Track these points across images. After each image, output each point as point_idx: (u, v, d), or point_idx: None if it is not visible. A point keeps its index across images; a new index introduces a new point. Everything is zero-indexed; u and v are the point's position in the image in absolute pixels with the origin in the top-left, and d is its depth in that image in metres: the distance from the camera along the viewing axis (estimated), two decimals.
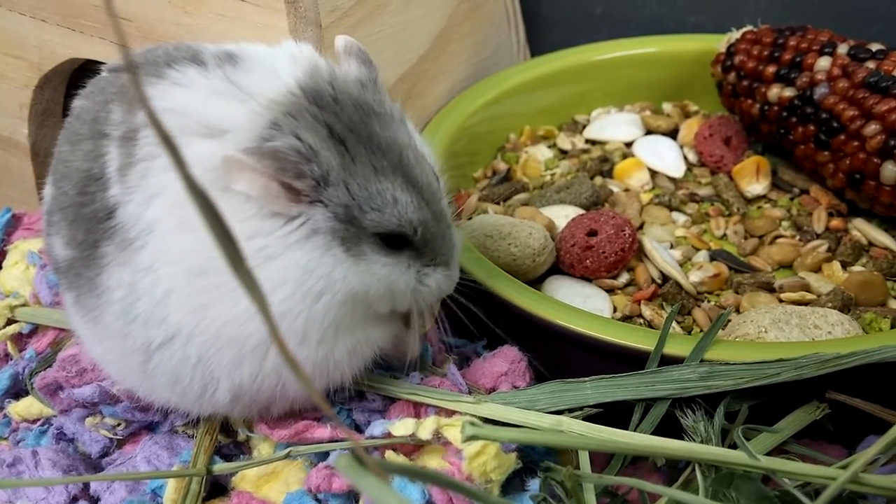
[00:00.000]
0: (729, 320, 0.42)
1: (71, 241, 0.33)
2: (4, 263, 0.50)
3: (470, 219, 0.53)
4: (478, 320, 0.42)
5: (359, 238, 0.32)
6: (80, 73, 0.53)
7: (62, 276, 0.34)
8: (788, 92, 0.52)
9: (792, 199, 0.54)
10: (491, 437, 0.29)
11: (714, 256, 0.50)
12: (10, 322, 0.47)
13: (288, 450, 0.34)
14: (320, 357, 0.33)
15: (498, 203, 0.55)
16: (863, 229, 0.51)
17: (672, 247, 0.51)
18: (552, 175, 0.58)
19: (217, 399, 0.33)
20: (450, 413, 0.35)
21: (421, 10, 0.53)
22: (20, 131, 0.53)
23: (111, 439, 0.39)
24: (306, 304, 0.31)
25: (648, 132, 0.61)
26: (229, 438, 0.38)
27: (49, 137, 0.54)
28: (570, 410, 0.35)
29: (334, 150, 0.31)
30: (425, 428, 0.33)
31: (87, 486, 0.37)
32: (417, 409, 0.36)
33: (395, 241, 0.33)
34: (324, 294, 0.32)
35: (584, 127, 0.62)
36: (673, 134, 0.60)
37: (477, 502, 0.27)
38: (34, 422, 0.43)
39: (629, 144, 0.60)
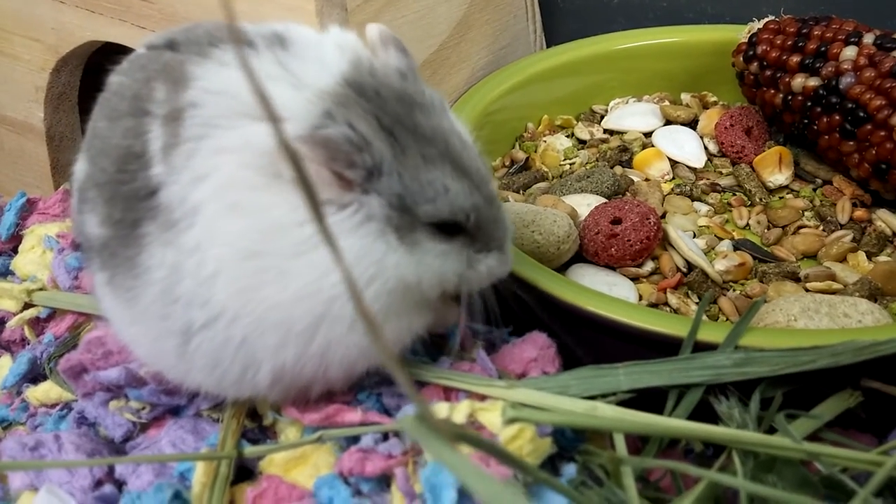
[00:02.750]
0: (764, 299, 0.42)
1: (107, 220, 0.32)
2: (20, 248, 0.50)
3: None
4: (505, 307, 0.42)
5: (412, 227, 0.32)
6: (95, 56, 0.52)
7: (95, 255, 0.34)
8: (813, 81, 0.52)
9: (815, 189, 0.54)
10: (532, 420, 0.29)
11: (738, 246, 0.49)
12: (27, 306, 0.46)
13: (319, 433, 0.34)
14: (366, 343, 0.32)
15: (518, 192, 0.55)
16: (887, 220, 0.50)
17: (695, 236, 0.50)
18: (571, 164, 0.58)
19: (257, 381, 0.33)
20: (482, 398, 0.35)
21: None
22: (36, 115, 0.52)
23: (135, 423, 0.38)
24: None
25: (667, 122, 0.60)
26: (254, 423, 0.38)
27: (64, 122, 0.54)
28: (603, 396, 0.35)
29: (385, 140, 0.31)
30: (459, 412, 0.33)
31: (111, 469, 0.36)
32: (448, 394, 0.36)
33: (448, 229, 0.33)
34: (375, 280, 0.31)
35: (601, 117, 0.62)
36: (692, 124, 0.60)
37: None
38: (53, 406, 0.43)
39: (648, 135, 0.59)
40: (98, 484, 0.35)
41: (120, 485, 0.36)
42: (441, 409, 0.33)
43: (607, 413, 0.33)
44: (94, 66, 0.53)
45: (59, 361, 0.39)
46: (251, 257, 0.30)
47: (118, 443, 0.38)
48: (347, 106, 0.31)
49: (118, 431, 0.38)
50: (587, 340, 0.39)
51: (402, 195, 0.31)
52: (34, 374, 0.44)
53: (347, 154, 0.30)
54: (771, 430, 0.35)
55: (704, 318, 0.44)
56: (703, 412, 0.35)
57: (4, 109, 0.53)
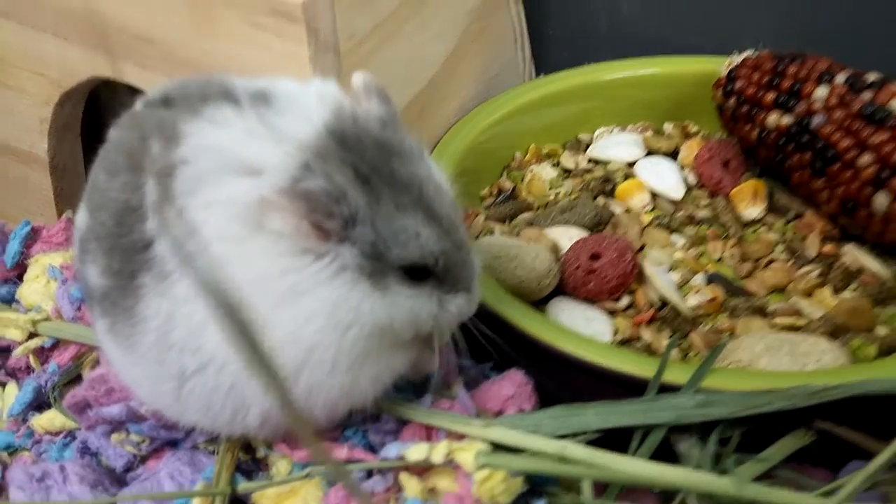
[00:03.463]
0: (729, 338, 0.44)
1: (107, 270, 0.35)
2: (25, 277, 0.52)
3: (477, 238, 0.55)
4: (487, 342, 0.44)
5: (384, 272, 0.34)
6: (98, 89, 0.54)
7: (96, 304, 0.36)
8: (786, 119, 0.54)
9: (787, 222, 0.56)
10: (502, 466, 0.31)
11: (710, 279, 0.52)
12: (31, 336, 0.49)
13: (308, 469, 0.36)
14: (347, 384, 0.35)
15: (504, 222, 0.57)
16: (854, 255, 0.53)
17: (671, 269, 0.53)
18: (556, 194, 0.60)
19: (247, 422, 0.35)
20: (460, 436, 0.37)
21: (434, 32, 0.55)
22: (40, 146, 0.54)
23: (135, 455, 0.41)
24: (336, 336, 0.33)
25: (649, 153, 0.62)
26: (248, 455, 0.40)
27: (68, 152, 0.56)
28: (574, 435, 0.37)
29: (360, 189, 0.33)
30: (438, 452, 0.35)
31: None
32: (429, 432, 0.38)
33: (418, 273, 0.35)
34: (352, 326, 0.33)
35: (587, 145, 0.64)
36: (674, 154, 0.62)
37: None
38: (57, 434, 0.45)
39: (631, 164, 0.62)
40: None
41: None
42: (420, 449, 0.35)
43: (576, 453, 0.36)
44: (98, 98, 0.55)
45: (65, 397, 0.41)
46: (237, 308, 0.32)
47: (119, 473, 0.41)
48: (326, 157, 0.33)
49: (119, 462, 0.41)
50: (561, 378, 0.42)
51: (375, 242, 0.33)
52: (39, 402, 0.47)
53: (325, 206, 0.32)
54: (726, 470, 0.38)
55: (673, 353, 0.46)
56: (669, 448, 0.38)
57: (10, 140, 0.56)
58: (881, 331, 0.48)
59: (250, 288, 0.32)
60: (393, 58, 0.50)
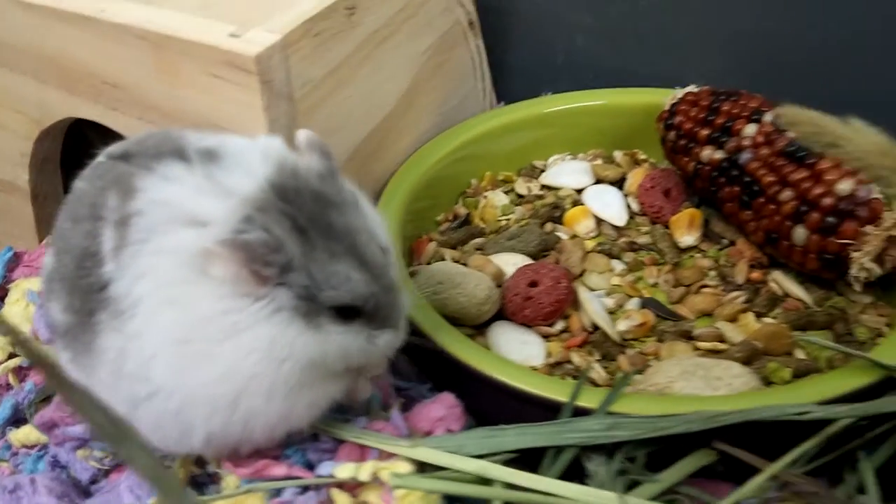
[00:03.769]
0: (640, 371, 0.48)
1: (69, 308, 0.39)
2: (6, 301, 0.56)
3: (429, 263, 0.59)
4: (425, 367, 0.48)
5: (317, 312, 0.37)
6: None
7: (59, 338, 0.40)
8: (718, 154, 0.58)
9: (721, 249, 0.60)
10: (411, 487, 0.35)
11: (644, 304, 0.55)
12: (11, 356, 0.53)
13: (249, 486, 0.40)
14: (283, 411, 0.39)
15: (455, 248, 0.61)
16: (780, 281, 0.56)
17: (608, 294, 0.56)
18: (507, 220, 0.64)
19: (193, 443, 0.39)
20: (389, 455, 0.41)
21: (389, 73, 0.58)
22: (21, 177, 0.59)
23: (99, 469, 0.45)
24: (272, 368, 0.37)
25: (598, 181, 0.66)
26: (201, 469, 0.44)
27: (48, 182, 0.60)
28: (493, 454, 0.41)
29: (297, 239, 0.37)
30: (364, 471, 0.39)
31: None
32: (363, 451, 0.42)
33: (349, 312, 0.38)
34: (287, 360, 0.37)
35: (541, 172, 0.68)
36: (620, 183, 0.66)
37: None
38: (32, 447, 0.49)
39: (580, 191, 0.65)
40: None
41: None
42: (348, 468, 0.39)
43: (493, 472, 0.40)
44: (80, 129, 0.59)
45: (35, 416, 0.45)
46: (182, 343, 0.36)
47: (85, 485, 0.45)
48: (266, 210, 0.37)
49: (85, 475, 0.45)
50: (488, 398, 0.45)
51: (309, 286, 0.37)
52: (17, 418, 0.51)
53: (263, 255, 0.36)
54: (633, 485, 0.42)
55: (601, 374, 0.50)
56: (579, 468, 0.42)
57: None
58: (799, 354, 0.52)
59: (194, 326, 0.36)
60: (347, 100, 0.53)
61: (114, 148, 0.41)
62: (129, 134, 0.52)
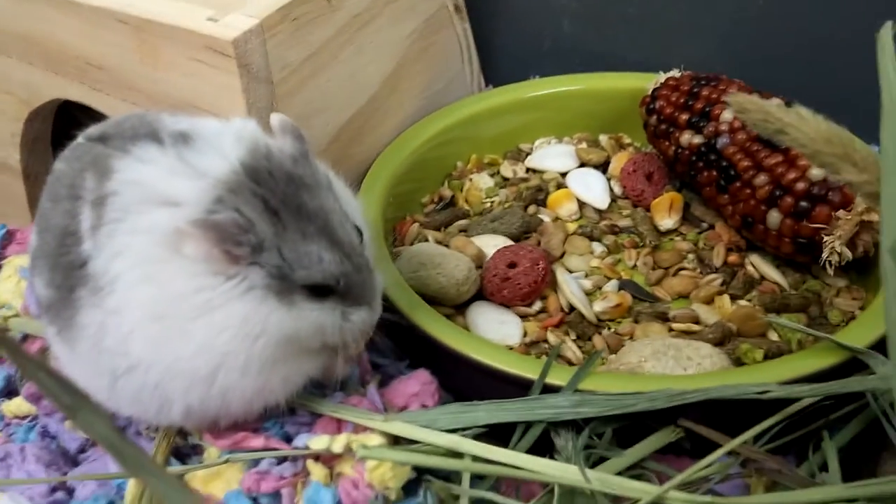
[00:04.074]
0: (614, 353, 0.49)
1: (51, 284, 0.40)
2: (0, 276, 0.57)
3: (412, 244, 0.60)
4: (401, 343, 0.49)
5: (290, 290, 0.39)
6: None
7: (45, 312, 0.42)
8: (697, 139, 0.58)
9: (700, 233, 0.60)
10: (379, 458, 0.36)
11: (622, 286, 0.56)
12: (3, 330, 0.54)
13: (227, 456, 0.41)
14: (258, 385, 0.40)
15: (439, 229, 0.62)
16: (757, 264, 0.57)
17: (587, 275, 0.57)
18: (492, 203, 0.64)
19: (171, 416, 0.40)
20: (364, 429, 0.42)
21: (371, 56, 0.59)
22: (13, 157, 0.60)
23: (86, 439, 0.46)
24: (246, 345, 0.38)
25: (582, 164, 0.67)
26: (185, 441, 0.46)
27: (39, 162, 0.61)
28: (465, 429, 0.42)
29: (268, 220, 0.38)
30: (338, 443, 0.40)
31: None
32: (340, 424, 0.43)
33: (321, 291, 0.39)
34: (261, 336, 0.38)
35: (527, 155, 0.69)
36: (604, 166, 0.67)
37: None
38: (24, 418, 0.51)
39: (564, 174, 0.66)
40: (53, 490, 0.43)
41: (70, 491, 0.44)
42: (322, 440, 0.40)
43: (464, 446, 0.41)
44: (69, 110, 0.60)
45: (23, 388, 0.46)
46: (158, 319, 0.38)
47: (73, 454, 0.46)
48: (238, 191, 0.38)
49: (73, 445, 0.46)
50: (462, 375, 0.47)
51: (281, 266, 0.38)
52: (9, 390, 0.52)
53: (233, 235, 0.37)
54: (601, 460, 0.43)
55: (576, 354, 0.51)
56: (549, 443, 0.43)
57: None
58: (772, 336, 0.53)
59: (169, 302, 0.38)
60: (328, 83, 0.54)
61: (92, 130, 0.42)
62: (113, 114, 0.53)
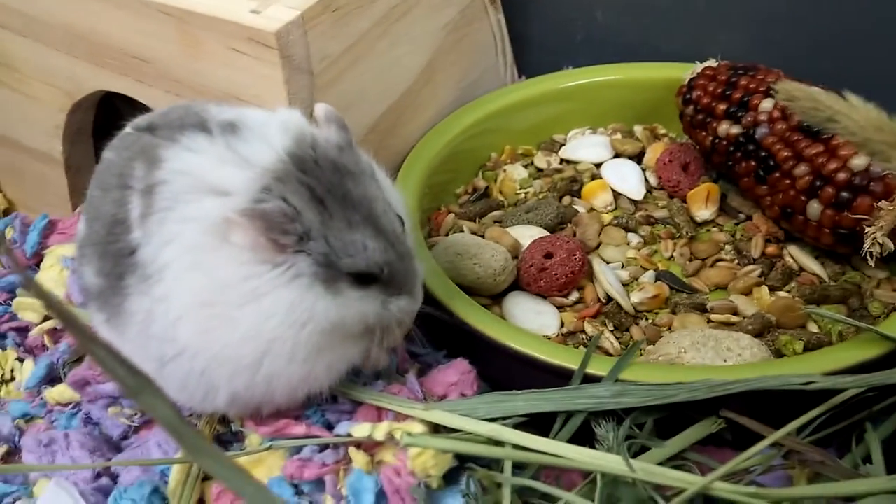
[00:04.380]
0: (651, 344, 0.49)
1: (100, 272, 0.41)
2: (42, 265, 0.58)
3: (447, 235, 0.60)
4: (440, 334, 0.50)
5: (336, 277, 0.39)
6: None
7: (93, 300, 0.42)
8: (735, 129, 0.58)
9: (737, 224, 0.60)
10: (423, 445, 0.37)
11: (659, 277, 0.56)
12: (46, 318, 0.55)
13: (270, 444, 0.42)
14: (304, 372, 0.40)
15: (473, 220, 0.62)
16: (795, 255, 0.57)
17: (623, 266, 0.57)
18: (526, 194, 0.64)
19: (217, 402, 0.41)
20: (405, 417, 0.43)
21: (407, 48, 0.59)
22: (56, 148, 0.61)
23: (129, 426, 0.47)
24: (293, 332, 0.39)
25: (616, 155, 0.67)
26: (226, 427, 0.46)
27: (81, 153, 0.62)
28: (504, 418, 0.42)
29: (315, 209, 0.38)
30: (380, 430, 0.41)
31: None
32: (379, 413, 0.43)
33: (365, 279, 0.40)
34: (308, 324, 0.39)
35: (561, 146, 0.69)
36: (639, 157, 0.66)
37: None
38: (66, 405, 0.51)
39: (599, 165, 0.66)
40: (97, 476, 0.44)
41: (114, 477, 0.45)
42: (364, 428, 0.41)
43: (504, 434, 0.41)
44: (112, 101, 0.61)
45: (68, 375, 0.47)
46: (206, 306, 0.38)
47: (116, 440, 0.47)
48: (285, 180, 0.38)
49: (116, 431, 0.47)
50: (501, 365, 0.47)
51: (328, 253, 0.38)
52: (51, 377, 0.53)
53: (281, 224, 0.37)
54: (642, 450, 0.43)
55: (614, 344, 0.51)
56: (588, 433, 0.43)
57: (29, 142, 0.62)
58: (812, 328, 0.52)
59: (217, 290, 0.38)
60: (365, 74, 0.54)
61: (140, 120, 0.43)
62: (156, 106, 0.54)
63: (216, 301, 0.38)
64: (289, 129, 0.40)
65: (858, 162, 0.51)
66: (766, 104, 0.57)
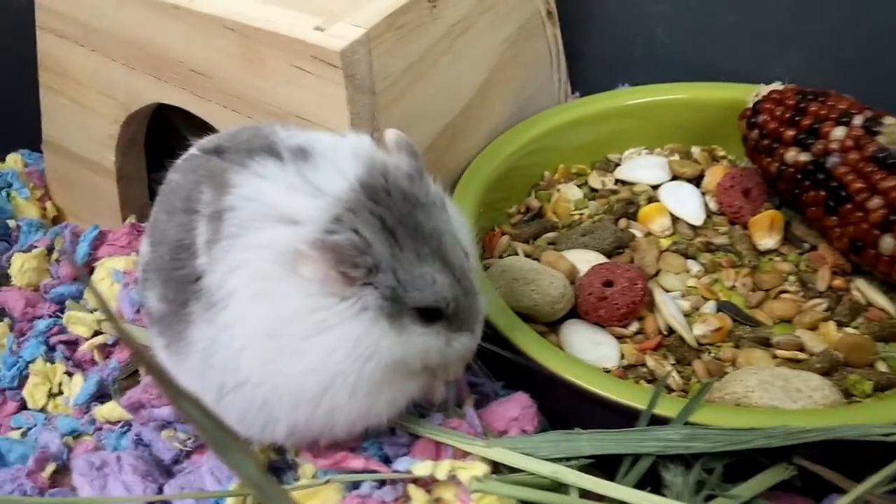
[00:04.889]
0: (718, 378, 0.47)
1: (163, 298, 0.40)
2: (92, 278, 0.58)
3: (501, 257, 0.58)
4: (498, 363, 0.48)
5: (401, 312, 0.38)
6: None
7: (155, 325, 0.41)
8: (804, 157, 0.56)
9: (801, 254, 0.58)
10: (489, 491, 0.35)
11: (721, 308, 0.54)
12: (96, 333, 0.55)
13: (328, 477, 0.41)
14: (365, 407, 0.39)
15: (527, 242, 0.61)
16: (863, 290, 0.55)
17: (683, 295, 0.55)
18: (581, 215, 0.63)
19: (276, 433, 0.40)
20: (464, 454, 0.41)
21: (468, 64, 0.58)
22: (108, 158, 0.60)
23: (181, 450, 0.46)
24: (357, 366, 0.38)
25: (674, 177, 0.65)
26: (280, 456, 0.45)
27: (132, 164, 0.62)
28: (567, 459, 0.41)
29: (385, 241, 0.37)
30: (441, 469, 0.39)
31: (160, 489, 0.44)
32: (438, 448, 0.42)
33: (430, 314, 0.39)
34: (371, 359, 0.38)
35: (616, 165, 0.67)
36: (698, 180, 0.64)
37: None
38: (115, 423, 0.51)
39: (656, 187, 0.64)
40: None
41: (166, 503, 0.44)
42: (426, 466, 0.40)
43: (567, 476, 0.40)
44: (165, 114, 0.60)
45: (123, 396, 0.47)
46: (271, 337, 0.37)
47: (167, 464, 0.46)
48: (356, 210, 0.37)
49: (167, 455, 0.46)
50: (561, 399, 0.45)
51: (395, 287, 0.37)
52: (101, 393, 0.53)
53: (351, 257, 0.36)
54: (710, 497, 0.41)
55: (675, 378, 0.49)
56: (656, 476, 0.41)
57: (81, 151, 0.62)
58: (881, 367, 0.50)
59: (283, 321, 0.37)
60: (426, 91, 0.53)
61: (206, 142, 0.42)
62: (213, 120, 0.53)
63: (281, 332, 0.37)
64: (360, 157, 0.39)
65: None
66: (838, 132, 0.55)
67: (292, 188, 0.37)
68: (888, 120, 0.53)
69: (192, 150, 0.42)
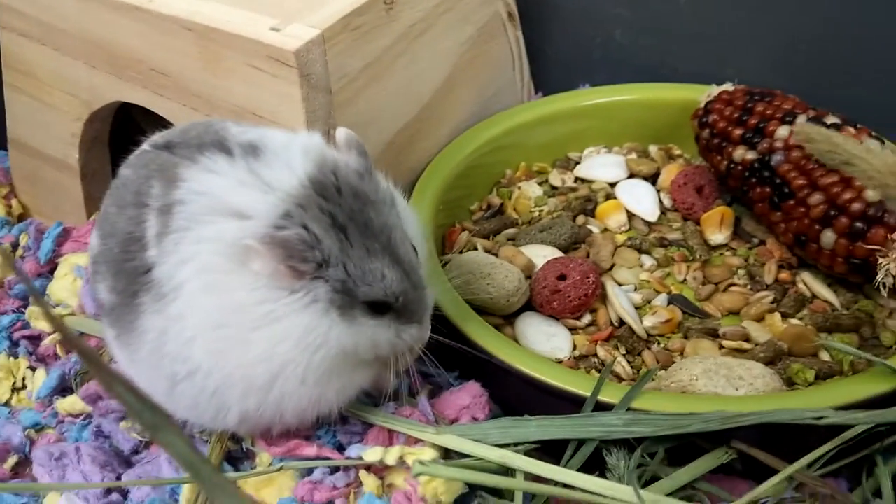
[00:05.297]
0: (663, 369, 0.49)
1: (113, 289, 0.41)
2: (56, 274, 0.59)
3: (461, 252, 0.60)
4: (452, 355, 0.50)
5: (351, 305, 0.39)
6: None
7: (105, 316, 0.42)
8: (751, 155, 0.58)
9: (751, 248, 0.60)
10: (432, 474, 0.37)
11: (672, 300, 0.56)
12: (86, 346, 0.55)
13: (281, 464, 0.42)
14: (315, 395, 0.40)
15: (487, 237, 0.62)
16: (808, 282, 0.57)
17: (636, 289, 0.57)
18: (540, 212, 0.64)
19: (227, 421, 0.41)
20: (415, 441, 0.43)
21: (426, 65, 0.59)
22: (72, 155, 0.61)
23: (140, 440, 0.47)
24: (306, 355, 0.39)
25: (631, 175, 0.66)
26: (237, 445, 0.46)
27: (96, 161, 0.62)
28: (516, 444, 0.42)
29: (335, 237, 0.38)
30: (391, 455, 0.41)
31: (118, 479, 0.45)
32: (391, 435, 0.44)
33: (380, 307, 0.40)
34: (321, 348, 0.39)
35: (576, 164, 0.69)
36: (654, 178, 0.66)
37: None
38: (77, 416, 0.52)
39: (614, 185, 0.66)
40: (108, 492, 0.44)
41: (125, 493, 0.45)
42: (376, 452, 0.41)
43: (514, 461, 0.41)
44: (128, 111, 0.61)
45: (80, 388, 0.47)
46: (220, 327, 0.38)
47: (127, 455, 0.47)
48: (306, 206, 0.38)
49: (127, 445, 0.47)
50: (512, 388, 0.47)
51: (345, 281, 0.38)
52: (63, 387, 0.53)
53: (300, 252, 0.37)
54: (653, 479, 0.43)
55: (625, 368, 0.51)
56: (600, 460, 0.43)
57: (46, 149, 0.62)
58: (824, 356, 0.52)
59: (231, 312, 0.38)
60: (384, 91, 0.54)
61: (158, 137, 0.43)
62: (174, 118, 0.54)
63: (230, 322, 0.38)
64: (310, 153, 0.40)
65: (873, 193, 0.51)
66: (782, 131, 0.56)
67: (242, 183, 0.38)
68: (829, 119, 0.55)
69: (144, 146, 0.43)
